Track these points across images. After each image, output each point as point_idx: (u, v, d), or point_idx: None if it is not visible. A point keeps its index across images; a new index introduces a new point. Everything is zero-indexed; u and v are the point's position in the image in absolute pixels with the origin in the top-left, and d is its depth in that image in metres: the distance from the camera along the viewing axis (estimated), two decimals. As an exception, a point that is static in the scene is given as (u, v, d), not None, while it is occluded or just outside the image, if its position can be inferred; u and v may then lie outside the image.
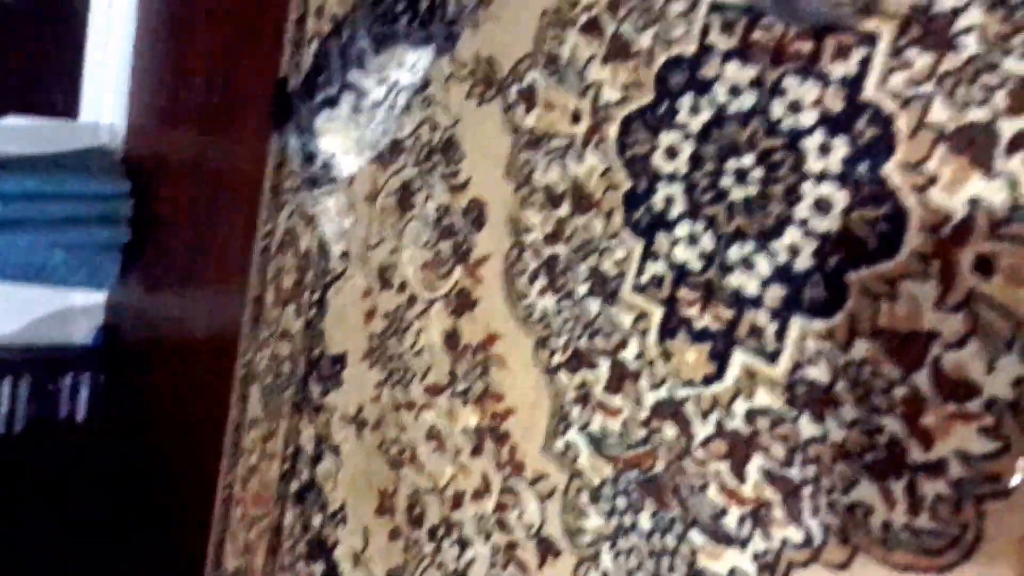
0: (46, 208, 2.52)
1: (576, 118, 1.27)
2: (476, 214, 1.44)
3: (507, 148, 1.38)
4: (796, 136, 0.98)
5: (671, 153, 1.13)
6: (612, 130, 1.21)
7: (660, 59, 1.15)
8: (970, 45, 0.84)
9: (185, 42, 2.59)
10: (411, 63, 1.47)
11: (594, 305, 1.22)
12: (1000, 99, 0.82)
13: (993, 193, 0.82)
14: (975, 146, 0.84)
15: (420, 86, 1.55)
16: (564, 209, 1.28)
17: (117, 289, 2.84)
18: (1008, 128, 0.82)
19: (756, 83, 1.03)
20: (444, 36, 1.43)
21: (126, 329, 2.83)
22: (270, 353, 1.96)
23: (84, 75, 2.90)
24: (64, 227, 2.57)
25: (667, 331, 1.12)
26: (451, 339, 1.47)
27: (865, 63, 0.92)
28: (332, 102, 1.55)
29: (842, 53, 0.94)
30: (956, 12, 0.85)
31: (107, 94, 2.91)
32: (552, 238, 1.30)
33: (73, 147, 2.85)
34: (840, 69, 0.95)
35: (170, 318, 2.59)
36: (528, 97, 1.35)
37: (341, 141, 1.59)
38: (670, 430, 1.10)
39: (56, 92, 2.89)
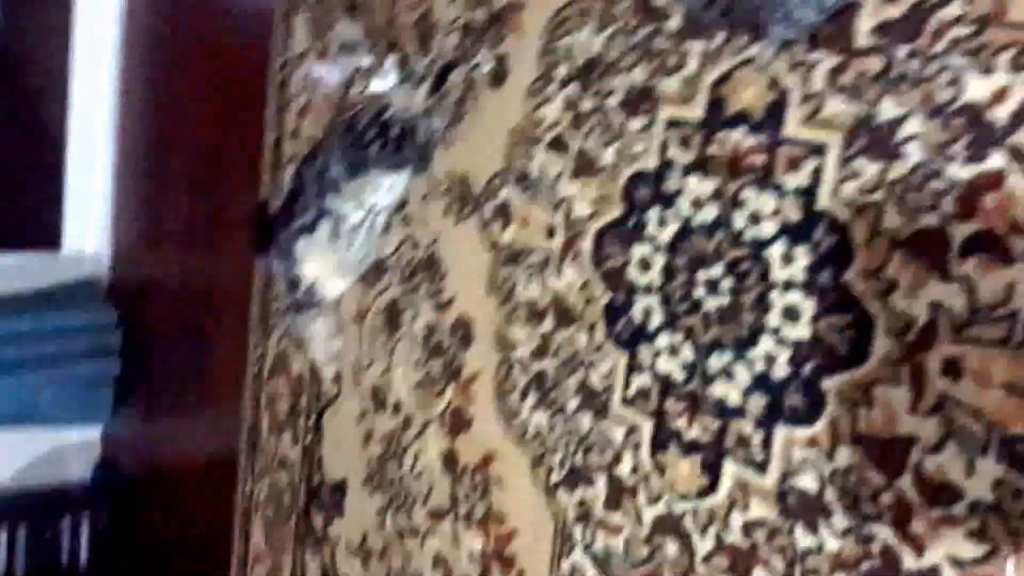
0: (33, 348, 2.60)
1: (551, 233, 1.34)
2: (463, 331, 1.50)
3: (487, 264, 1.45)
4: (759, 246, 1.05)
5: (644, 265, 1.19)
6: (586, 244, 1.28)
7: (625, 174, 1.22)
8: (914, 153, 0.91)
9: (165, 166, 2.70)
10: (387, 186, 1.55)
11: (586, 420, 1.27)
12: (948, 204, 0.89)
13: (952, 297, 0.88)
14: (930, 251, 0.90)
15: (398, 205, 1.63)
16: (548, 324, 1.34)
17: (112, 422, 2.90)
18: (959, 232, 0.88)
19: (717, 195, 1.10)
20: (417, 158, 1.52)
21: (124, 463, 2.88)
22: (269, 483, 2.01)
23: (65, 205, 3.01)
24: (53, 365, 2.64)
25: (658, 444, 1.17)
26: (449, 460, 1.52)
27: (817, 173, 0.99)
28: (310, 228, 1.62)
29: (794, 165, 1.01)
30: (897, 122, 0.92)
31: (89, 222, 3.01)
32: (539, 353, 1.35)
33: (57, 280, 2.93)
34: (793, 180, 1.01)
35: (168, 449, 2.65)
36: (503, 213, 1.42)
37: (323, 266, 1.66)
38: (672, 546, 1.14)
39: (37, 224, 3.01)
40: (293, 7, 1.94)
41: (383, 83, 1.53)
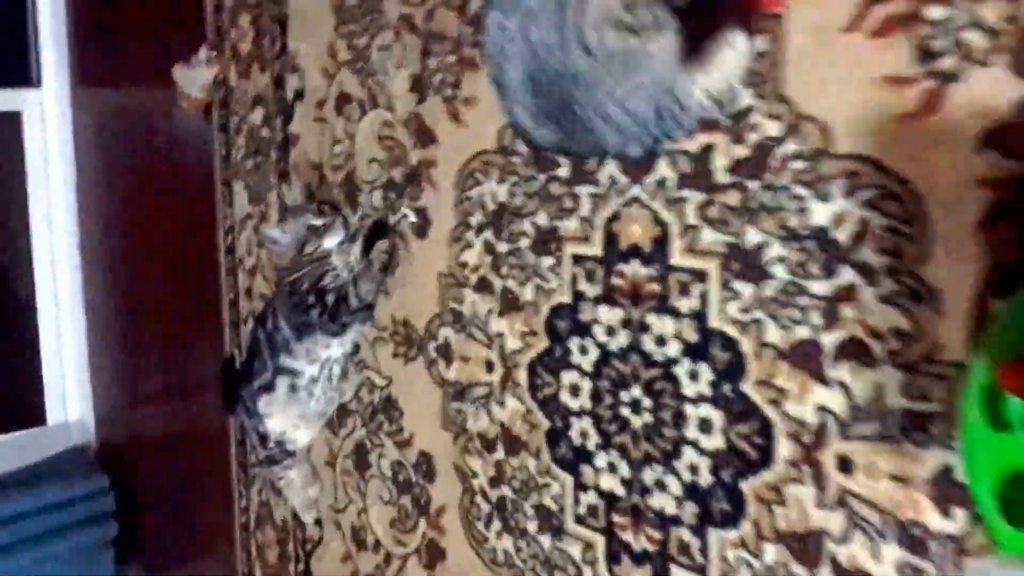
0: (31, 526, 2.64)
1: (490, 367, 1.42)
2: (426, 466, 1.57)
3: (438, 401, 1.53)
4: (668, 366, 1.14)
5: (574, 391, 1.28)
6: (522, 375, 1.36)
7: (545, 308, 1.31)
8: (779, 273, 1.01)
9: (135, 330, 2.79)
10: (335, 343, 1.64)
11: (546, 541, 1.34)
12: (815, 317, 0.98)
13: (833, 399, 0.97)
14: (808, 360, 0.99)
15: (352, 351, 1.71)
16: (499, 453, 1.41)
17: (115, 584, 2.93)
18: (829, 341, 0.97)
19: (626, 323, 1.19)
20: (358, 319, 1.61)
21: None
22: (270, 632, 2.05)
23: (44, 381, 3.09)
24: (51, 539, 2.68)
25: (612, 558, 1.24)
26: (431, 591, 1.58)
27: (704, 297, 1.09)
28: (270, 387, 1.70)
29: (684, 290, 1.11)
30: (761, 247, 1.02)
31: (70, 393, 3.09)
32: (496, 481, 1.43)
33: (46, 454, 2.99)
34: (687, 304, 1.11)
35: (171, 605, 2.68)
36: (446, 352, 1.51)
37: (287, 420, 1.73)
38: (638, 653, 1.20)
39: (19, 404, 3.07)
40: (232, 174, 2.05)
41: (332, 241, 1.62)
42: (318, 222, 1.63)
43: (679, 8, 0.98)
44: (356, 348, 1.72)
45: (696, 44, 0.97)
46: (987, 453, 0.75)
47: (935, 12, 0.86)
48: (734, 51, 0.97)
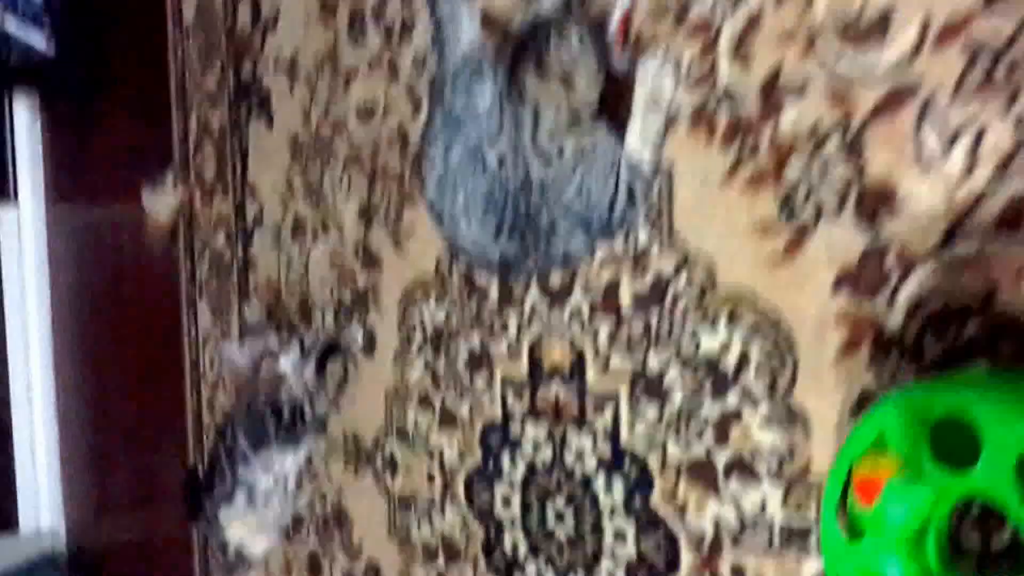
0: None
1: (431, 479, 1.50)
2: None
3: (385, 510, 1.60)
4: (587, 480, 1.22)
5: (506, 502, 1.36)
6: (460, 487, 1.44)
7: (479, 424, 1.40)
8: (678, 396, 1.10)
9: (105, 441, 2.84)
10: (290, 455, 1.72)
11: (484, 647, 1.40)
12: (709, 437, 1.07)
13: (727, 512, 1.06)
14: (704, 475, 1.08)
15: (306, 463, 1.79)
16: (441, 562, 1.48)
17: None
18: (721, 458, 1.06)
19: (549, 438, 1.28)
20: (312, 432, 1.69)
21: None
22: None
23: (17, 488, 3.12)
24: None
25: (544, 662, 1.30)
26: None
27: (616, 416, 1.18)
28: (228, 497, 1.77)
29: (599, 409, 1.20)
30: (662, 372, 1.12)
31: (42, 501, 3.12)
32: (438, 589, 1.49)
33: (19, 560, 3.00)
34: (601, 422, 1.20)
35: None
36: (392, 464, 1.59)
37: (245, 529, 1.80)
38: None
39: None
40: (197, 293, 2.14)
41: (287, 361, 1.71)
42: (274, 343, 1.73)
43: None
44: (310, 460, 1.79)
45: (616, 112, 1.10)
46: (843, 562, 0.84)
47: (793, 172, 0.98)
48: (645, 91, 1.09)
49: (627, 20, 1.12)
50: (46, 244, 3.10)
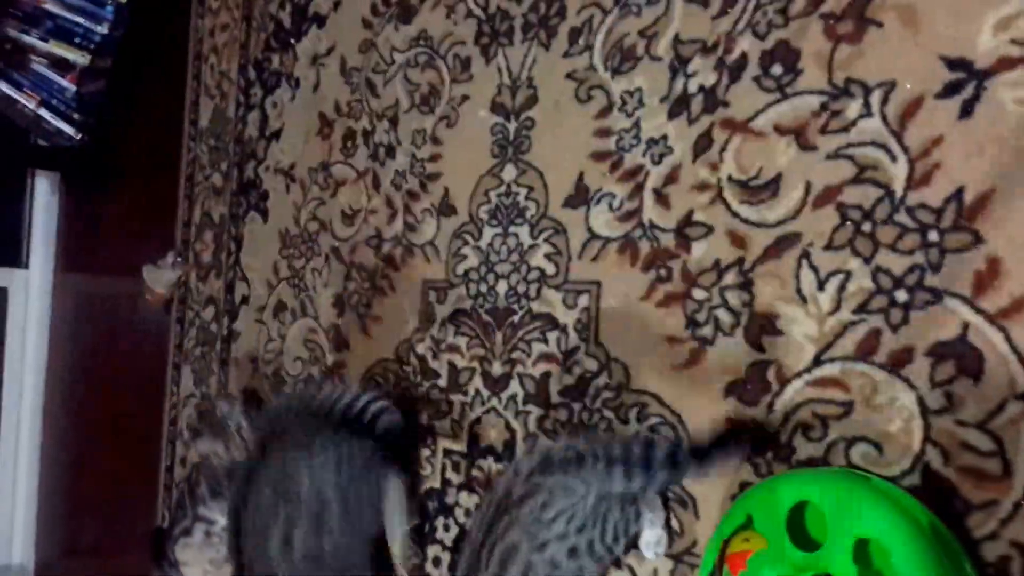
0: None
1: (375, 538, 1.51)
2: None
3: (331, 565, 1.60)
4: (510, 546, 1.25)
5: (436, 563, 1.37)
6: (399, 546, 1.46)
7: (420, 490, 1.43)
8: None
9: (79, 488, 2.78)
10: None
11: None
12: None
13: (626, 580, 1.09)
14: (610, 547, 1.12)
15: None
16: (376, 613, 1.48)
17: None
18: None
19: (478, 507, 1.31)
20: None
21: None
22: None
23: (-10, 523, 3.02)
24: None
25: None
26: None
27: (539, 491, 1.22)
28: (188, 532, 1.75)
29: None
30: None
31: (15, 538, 3.02)
32: (372, 638, 1.48)
33: (-17, 596, 2.89)
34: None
35: None
36: (340, 523, 1.59)
37: (201, 566, 1.77)
38: None
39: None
40: (182, 359, 2.15)
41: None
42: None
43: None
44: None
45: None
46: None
47: (698, 294, 1.05)
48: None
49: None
50: (50, 306, 3.08)
